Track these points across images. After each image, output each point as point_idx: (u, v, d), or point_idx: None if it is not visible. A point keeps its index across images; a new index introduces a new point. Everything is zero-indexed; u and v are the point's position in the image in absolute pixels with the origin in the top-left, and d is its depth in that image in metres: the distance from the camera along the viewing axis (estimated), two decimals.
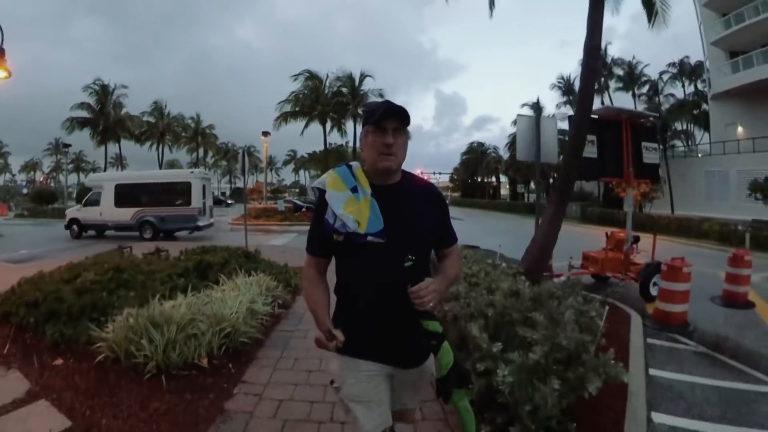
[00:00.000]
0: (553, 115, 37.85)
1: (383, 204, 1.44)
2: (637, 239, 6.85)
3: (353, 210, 1.42)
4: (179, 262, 5.14)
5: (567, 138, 7.66)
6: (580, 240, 11.50)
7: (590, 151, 6.02)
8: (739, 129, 24.87)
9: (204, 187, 15.14)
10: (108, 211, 14.76)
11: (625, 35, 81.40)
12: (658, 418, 3.08)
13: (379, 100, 13.22)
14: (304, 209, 24.59)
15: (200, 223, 14.46)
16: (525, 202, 42.17)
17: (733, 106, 25.02)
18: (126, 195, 14.65)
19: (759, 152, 21.24)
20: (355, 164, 1.55)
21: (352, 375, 1.49)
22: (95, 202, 15.13)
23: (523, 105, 42.37)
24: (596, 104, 33.52)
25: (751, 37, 22.58)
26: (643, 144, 6.96)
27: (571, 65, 56.82)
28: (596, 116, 6.77)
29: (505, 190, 55.61)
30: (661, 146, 28.15)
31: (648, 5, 7.67)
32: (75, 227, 15.40)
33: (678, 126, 30.79)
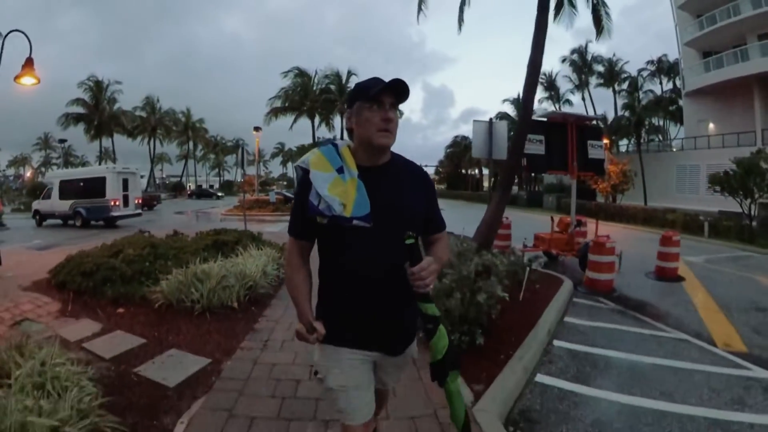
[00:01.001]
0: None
1: (370, 186, 1.37)
2: (580, 223, 8.10)
3: (339, 192, 1.35)
4: (200, 240, 6.31)
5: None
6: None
7: (538, 148, 7.18)
8: (711, 125, 25.83)
9: (125, 180, 16.82)
10: (56, 202, 17.21)
11: (614, 30, 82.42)
12: (557, 344, 4.15)
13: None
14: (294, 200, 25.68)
15: (114, 213, 16.20)
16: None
17: (705, 104, 25.93)
18: (65, 189, 17.05)
19: (727, 147, 21.96)
20: (340, 143, 1.48)
21: (337, 365, 1.45)
22: (49, 196, 17.59)
23: (504, 100, 43.46)
24: (578, 99, 34.32)
25: (722, 39, 23.45)
26: (589, 142, 8.08)
27: (553, 61, 57.57)
28: (545, 119, 7.99)
29: (489, 182, 56.90)
30: (635, 141, 29.61)
31: (597, 22, 8.91)
32: (38, 217, 18.01)
33: (655, 121, 32.16)
